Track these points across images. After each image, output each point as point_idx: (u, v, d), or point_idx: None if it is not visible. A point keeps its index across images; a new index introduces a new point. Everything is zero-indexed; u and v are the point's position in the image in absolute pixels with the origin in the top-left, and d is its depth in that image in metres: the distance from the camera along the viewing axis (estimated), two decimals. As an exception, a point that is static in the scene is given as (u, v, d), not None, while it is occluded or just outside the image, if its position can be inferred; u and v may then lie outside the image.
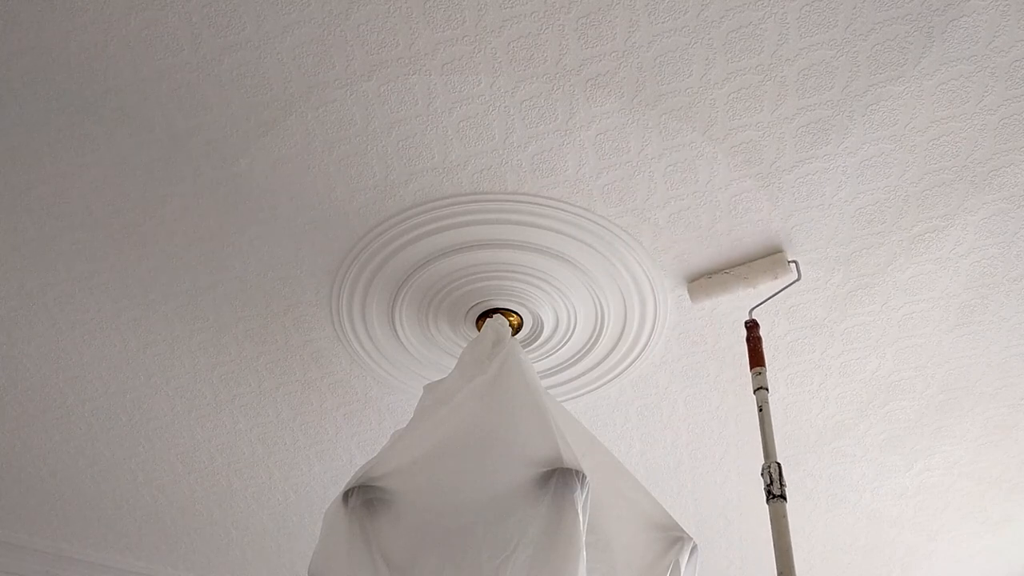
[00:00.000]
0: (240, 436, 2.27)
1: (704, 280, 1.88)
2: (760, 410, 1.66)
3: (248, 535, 2.58)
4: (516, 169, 1.73)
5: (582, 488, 1.42)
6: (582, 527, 1.40)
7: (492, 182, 1.75)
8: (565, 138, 1.67)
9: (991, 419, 2.21)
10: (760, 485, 1.54)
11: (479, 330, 1.93)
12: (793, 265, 1.83)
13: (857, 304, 1.95)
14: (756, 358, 1.77)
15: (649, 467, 2.34)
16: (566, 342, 2.02)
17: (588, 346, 2.04)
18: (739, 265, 1.85)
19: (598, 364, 2.08)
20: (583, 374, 2.10)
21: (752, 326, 1.85)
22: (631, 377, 2.12)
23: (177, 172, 1.72)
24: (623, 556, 1.61)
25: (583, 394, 2.15)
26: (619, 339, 2.02)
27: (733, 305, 1.94)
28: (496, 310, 1.93)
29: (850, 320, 1.98)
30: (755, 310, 1.88)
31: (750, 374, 1.76)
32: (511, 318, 1.93)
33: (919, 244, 1.83)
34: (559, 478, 1.43)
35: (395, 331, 2.00)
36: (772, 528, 1.46)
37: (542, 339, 2.00)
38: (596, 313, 1.97)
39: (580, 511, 1.40)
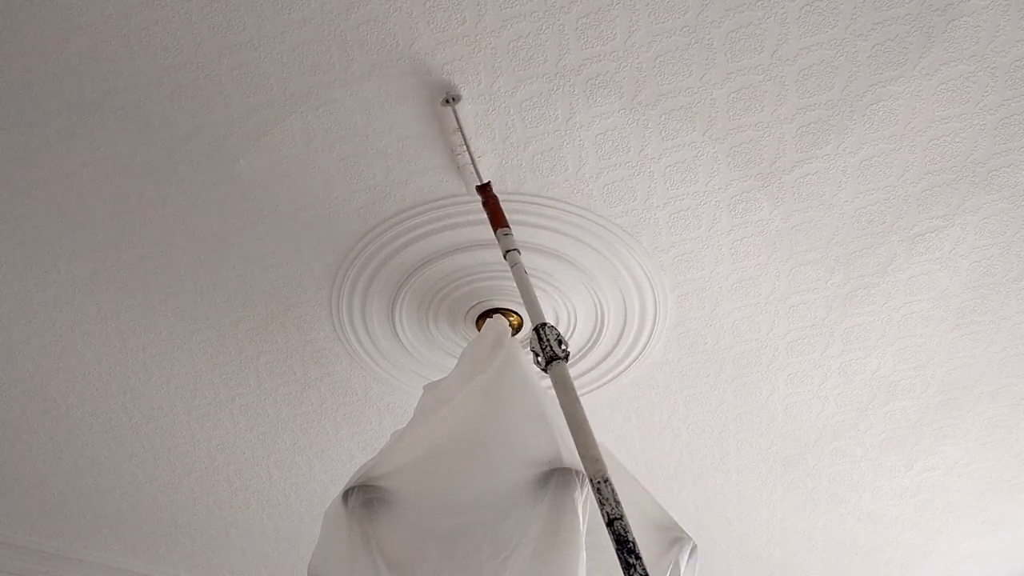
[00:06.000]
0: (240, 436, 2.26)
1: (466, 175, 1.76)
2: (514, 266, 1.55)
3: (248, 535, 2.58)
4: (516, 169, 1.72)
5: (582, 488, 1.42)
6: (582, 527, 1.39)
7: (492, 182, 1.74)
8: (565, 138, 1.67)
9: (991, 419, 2.21)
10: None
11: (479, 330, 1.92)
12: (446, 104, 1.63)
13: (857, 304, 1.95)
14: (497, 218, 1.67)
15: (649, 467, 2.34)
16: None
17: (588, 346, 2.04)
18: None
19: (598, 364, 2.08)
20: (583, 374, 2.10)
21: (481, 189, 1.73)
22: (631, 377, 2.12)
23: (177, 172, 1.72)
24: (623, 556, 1.61)
25: (583, 394, 2.15)
26: (619, 339, 2.02)
27: (731, 305, 1.94)
28: (496, 310, 1.93)
29: (850, 320, 1.98)
30: (479, 166, 1.72)
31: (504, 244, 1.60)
32: (511, 318, 1.93)
33: (919, 244, 1.83)
34: (559, 478, 1.43)
35: (395, 331, 2.00)
36: (558, 394, 1.28)
37: (542, 339, 2.00)
38: (596, 313, 1.97)
39: (580, 511, 1.40)
